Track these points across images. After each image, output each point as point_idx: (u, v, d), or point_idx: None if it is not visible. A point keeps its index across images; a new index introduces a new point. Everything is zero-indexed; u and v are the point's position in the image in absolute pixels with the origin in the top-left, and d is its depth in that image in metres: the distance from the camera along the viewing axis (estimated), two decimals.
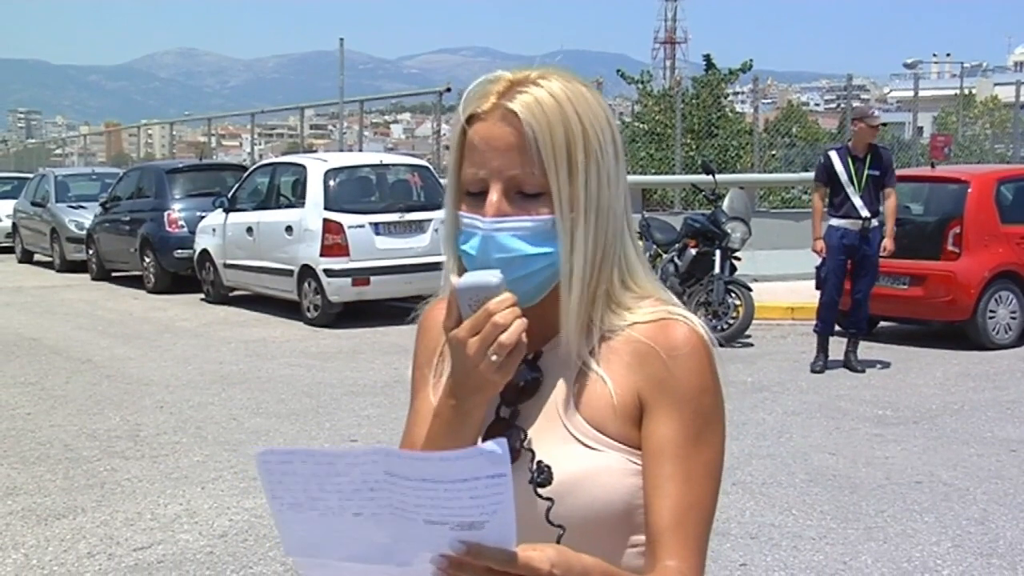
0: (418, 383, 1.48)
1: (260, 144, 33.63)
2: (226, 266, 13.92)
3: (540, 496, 1.28)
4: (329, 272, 11.89)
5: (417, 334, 1.51)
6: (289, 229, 12.52)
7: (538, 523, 1.27)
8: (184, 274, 15.25)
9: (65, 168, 30.18)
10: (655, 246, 11.44)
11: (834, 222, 8.88)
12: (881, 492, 5.74)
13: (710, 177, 11.47)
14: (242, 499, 5.75)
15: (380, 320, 12.19)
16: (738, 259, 10.83)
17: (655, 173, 19.04)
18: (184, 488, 5.99)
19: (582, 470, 1.28)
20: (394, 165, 13.74)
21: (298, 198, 12.76)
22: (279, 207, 13.21)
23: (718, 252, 10.43)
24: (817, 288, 9.18)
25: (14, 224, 22.40)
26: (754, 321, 10.40)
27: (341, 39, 19.84)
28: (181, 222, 15.62)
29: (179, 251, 15.33)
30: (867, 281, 9.03)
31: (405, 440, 1.44)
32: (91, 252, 17.97)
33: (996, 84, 53.36)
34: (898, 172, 9.58)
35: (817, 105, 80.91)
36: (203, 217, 14.73)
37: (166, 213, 15.77)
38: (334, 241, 11.92)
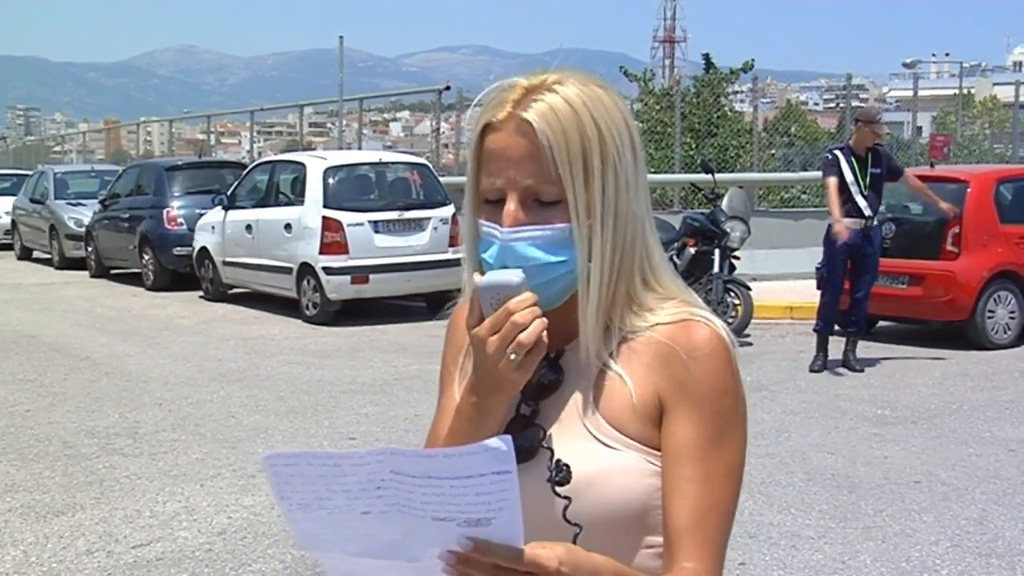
0: (445, 380, 1.50)
1: (259, 142, 33.61)
2: (225, 264, 13.92)
3: (558, 494, 1.28)
4: (328, 270, 11.89)
5: (447, 331, 1.53)
6: (288, 227, 12.51)
7: (555, 521, 1.27)
8: (183, 271, 15.24)
9: (64, 165, 30.14)
10: None
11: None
12: (880, 492, 5.74)
13: (709, 176, 11.47)
14: (241, 496, 5.75)
15: (379, 318, 12.19)
16: (737, 258, 10.84)
17: (654, 172, 19.01)
18: (183, 485, 5.99)
19: (599, 468, 1.28)
20: (393, 163, 13.74)
21: (297, 196, 12.75)
22: (278, 205, 13.21)
23: (717, 251, 10.44)
24: (818, 288, 9.18)
25: (13, 221, 22.39)
26: (753, 320, 10.42)
27: (340, 37, 19.82)
28: (180, 219, 15.61)
29: (178, 248, 15.32)
30: (867, 280, 9.04)
31: (431, 435, 1.46)
32: (90, 249, 17.96)
33: (995, 84, 53.30)
34: None
35: (816, 104, 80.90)
36: (202, 214, 14.73)
37: (165, 210, 15.76)
38: (333, 239, 11.92)
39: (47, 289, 16.20)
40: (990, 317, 10.03)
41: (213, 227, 14.15)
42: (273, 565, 4.79)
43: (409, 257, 12.03)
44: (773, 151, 19.43)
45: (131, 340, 11.16)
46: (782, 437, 6.86)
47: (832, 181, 8.76)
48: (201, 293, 14.54)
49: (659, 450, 1.30)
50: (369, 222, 12.03)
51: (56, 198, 20.19)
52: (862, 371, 8.96)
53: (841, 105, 21.94)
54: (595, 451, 1.30)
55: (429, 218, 12.34)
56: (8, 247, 22.64)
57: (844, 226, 8.61)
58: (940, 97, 35.49)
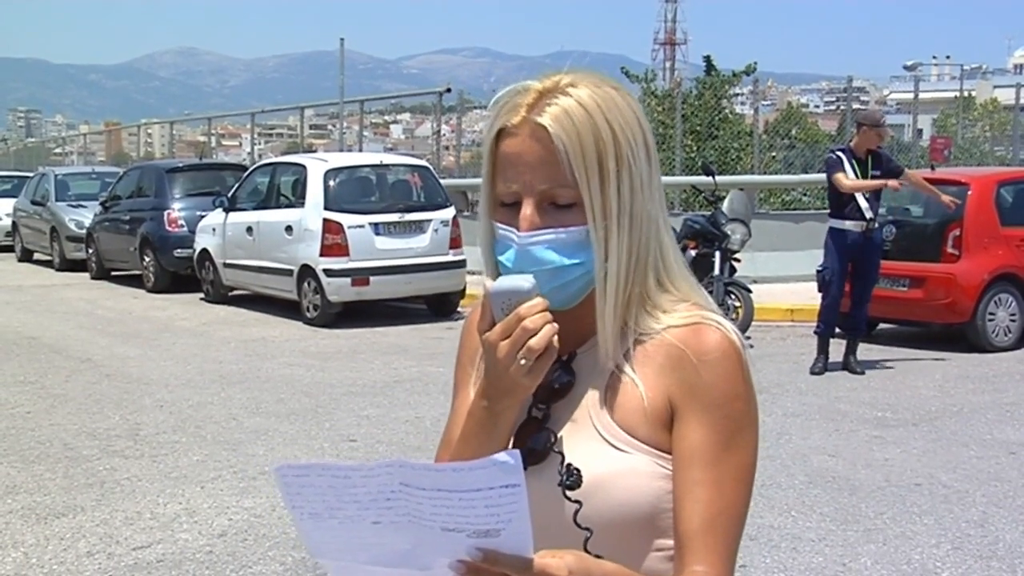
0: (459, 383, 1.50)
1: (260, 144, 33.64)
2: (226, 265, 13.92)
3: (568, 499, 1.29)
4: (329, 272, 11.89)
5: (462, 333, 1.54)
6: (289, 229, 12.52)
7: (566, 525, 1.28)
8: (184, 273, 15.25)
9: (65, 167, 30.16)
10: None
11: (837, 224, 8.88)
12: (880, 494, 5.73)
13: (710, 178, 11.48)
14: (241, 498, 5.75)
15: (379, 320, 12.19)
16: (738, 260, 10.84)
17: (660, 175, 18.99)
18: (183, 487, 5.99)
19: (608, 471, 1.29)
20: (394, 165, 13.74)
21: (298, 198, 12.76)
22: (279, 207, 13.21)
23: (718, 253, 10.44)
24: (819, 291, 9.17)
25: (14, 223, 22.40)
26: (753, 322, 10.41)
27: (341, 39, 19.84)
28: (181, 221, 15.62)
29: (179, 250, 15.33)
30: (869, 283, 9.05)
31: (444, 437, 1.46)
32: (91, 251, 17.97)
33: (996, 86, 53.32)
34: None
35: (817, 107, 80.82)
36: (203, 216, 14.74)
37: (166, 212, 15.77)
38: (334, 241, 11.92)
39: (48, 291, 16.21)
40: (991, 319, 10.02)
41: (214, 229, 14.16)
42: (273, 567, 4.79)
43: (410, 259, 12.04)
44: (774, 153, 19.44)
45: (132, 342, 11.16)
46: (783, 439, 6.86)
47: (841, 175, 8.79)
48: (202, 295, 14.54)
49: (669, 453, 1.30)
50: (370, 224, 12.03)
51: (57, 200, 20.20)
52: (863, 373, 8.95)
53: (842, 107, 21.91)
54: (605, 453, 1.30)
55: (430, 220, 12.34)
56: (9, 249, 22.65)
57: (884, 182, 8.75)
58: (941, 100, 35.52)
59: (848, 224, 8.82)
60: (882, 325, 10.81)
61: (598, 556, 1.21)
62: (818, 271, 9.12)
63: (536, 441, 1.31)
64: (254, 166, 15.49)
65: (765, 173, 17.56)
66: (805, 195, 18.34)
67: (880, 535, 5.11)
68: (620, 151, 1.30)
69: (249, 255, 13.36)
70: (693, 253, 10.61)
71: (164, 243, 15.59)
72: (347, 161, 13.49)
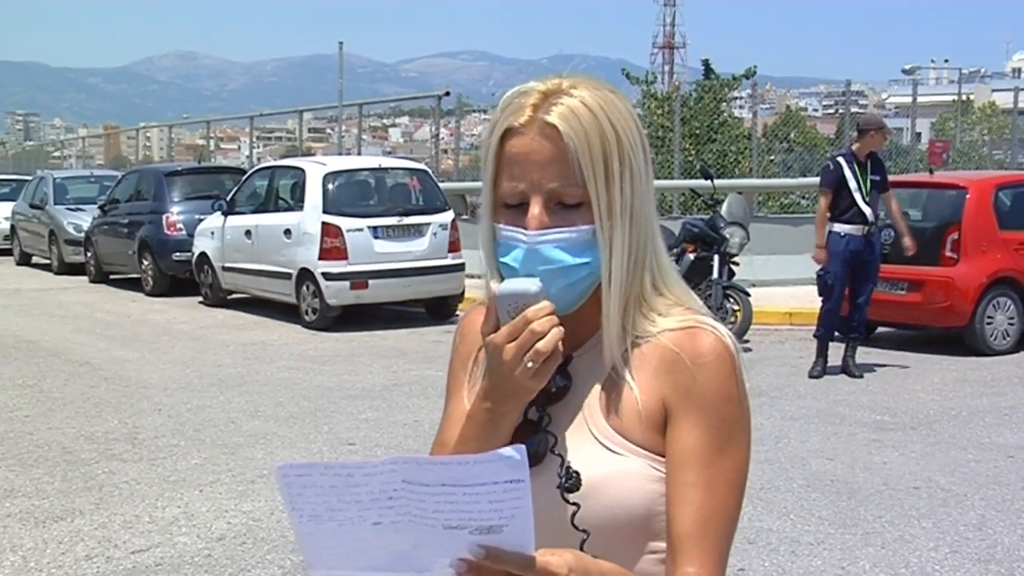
0: (453, 387, 1.50)
1: (259, 147, 33.62)
2: (224, 269, 13.92)
3: (567, 501, 1.29)
4: (327, 275, 11.89)
5: (454, 338, 1.54)
6: (288, 232, 12.52)
7: (563, 527, 1.28)
8: (182, 277, 15.25)
9: (63, 170, 30.14)
10: None
11: (839, 228, 8.87)
12: (879, 498, 5.74)
13: (708, 182, 11.48)
14: (240, 502, 5.75)
15: (378, 324, 12.19)
16: (736, 264, 10.84)
17: (654, 177, 19.00)
18: (182, 491, 5.99)
19: (603, 473, 1.29)
20: (393, 169, 13.74)
21: (297, 201, 12.76)
22: (278, 210, 13.21)
23: (716, 257, 10.44)
24: (820, 295, 9.15)
25: (12, 226, 22.40)
26: (752, 326, 10.42)
27: (340, 43, 19.85)
28: (179, 225, 15.62)
29: (177, 254, 15.33)
30: (868, 286, 9.05)
31: (437, 441, 1.46)
32: (89, 255, 17.96)
33: (994, 90, 53.31)
34: (896, 178, 9.62)
35: (815, 110, 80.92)
36: (201, 220, 14.74)
37: (164, 216, 15.77)
38: (332, 244, 11.92)
39: (46, 294, 16.20)
40: (989, 323, 10.03)
41: (212, 232, 14.15)
42: (272, 571, 4.79)
43: (408, 263, 12.04)
44: (772, 157, 19.44)
45: (130, 345, 11.16)
46: (781, 443, 6.86)
47: (823, 202, 8.89)
48: (200, 298, 14.53)
49: (663, 456, 1.31)
50: (368, 228, 12.04)
51: (55, 203, 20.21)
52: (861, 377, 8.96)
53: (840, 111, 21.95)
54: (600, 456, 1.31)
55: (428, 223, 12.34)
56: (7, 252, 22.64)
57: (824, 255, 8.92)
58: (939, 103, 35.52)
59: (850, 228, 8.82)
60: (881, 328, 10.81)
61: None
62: (819, 275, 9.12)
63: (534, 443, 1.31)
64: (253, 169, 15.49)
65: (764, 177, 17.57)
66: (804, 199, 18.32)
67: (878, 538, 5.11)
68: (623, 151, 1.32)
69: (248, 259, 13.36)
70: (692, 257, 10.62)
71: (163, 247, 15.59)
72: (346, 165, 13.49)
